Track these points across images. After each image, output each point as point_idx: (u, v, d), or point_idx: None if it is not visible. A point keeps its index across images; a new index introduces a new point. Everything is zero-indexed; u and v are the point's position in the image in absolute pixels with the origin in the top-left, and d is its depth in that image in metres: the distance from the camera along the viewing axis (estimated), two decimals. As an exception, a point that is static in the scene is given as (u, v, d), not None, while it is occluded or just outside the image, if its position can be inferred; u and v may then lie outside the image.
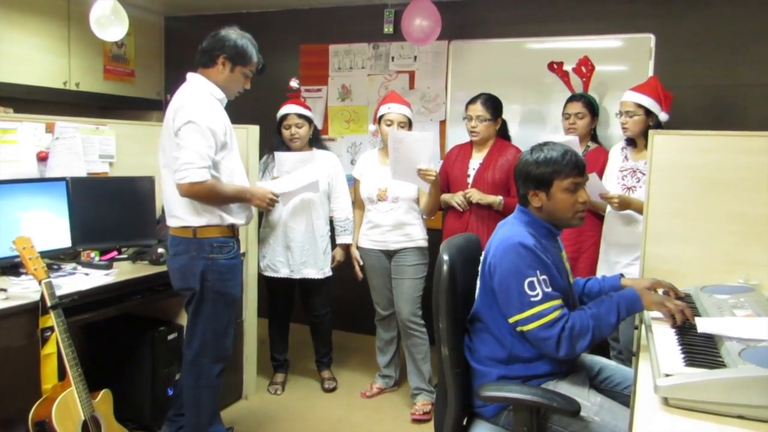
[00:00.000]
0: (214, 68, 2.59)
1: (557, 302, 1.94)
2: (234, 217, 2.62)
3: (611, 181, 3.19)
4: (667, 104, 3.09)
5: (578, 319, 1.93)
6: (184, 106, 2.48)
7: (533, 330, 1.93)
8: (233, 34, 2.60)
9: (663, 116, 3.08)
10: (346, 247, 3.64)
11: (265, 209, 2.70)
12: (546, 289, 1.93)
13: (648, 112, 3.06)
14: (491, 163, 3.39)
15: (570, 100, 3.51)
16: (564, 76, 3.78)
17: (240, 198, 2.60)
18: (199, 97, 2.52)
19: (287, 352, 3.84)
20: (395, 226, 3.41)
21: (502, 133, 3.53)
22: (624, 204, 2.99)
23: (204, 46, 2.61)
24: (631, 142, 3.19)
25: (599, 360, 2.28)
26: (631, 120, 3.08)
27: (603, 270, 3.18)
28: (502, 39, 4.18)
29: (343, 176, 3.69)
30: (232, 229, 2.66)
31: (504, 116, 3.50)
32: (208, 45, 2.59)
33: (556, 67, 3.80)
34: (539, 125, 4.08)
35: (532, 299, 1.93)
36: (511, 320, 1.99)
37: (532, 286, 1.93)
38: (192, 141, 2.41)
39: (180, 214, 2.58)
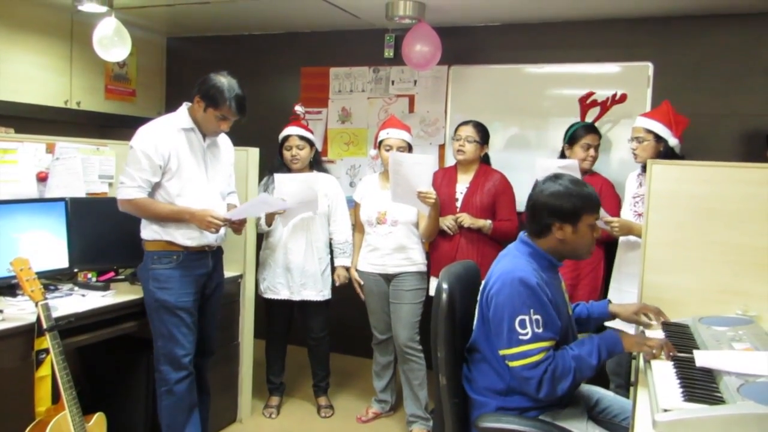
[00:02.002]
0: (194, 105, 2.78)
1: (545, 344, 1.93)
2: (172, 235, 2.76)
3: (625, 208, 3.19)
4: (680, 129, 3.08)
5: (561, 361, 1.93)
6: (136, 133, 2.74)
7: (517, 368, 1.94)
8: (217, 77, 2.74)
9: (673, 141, 3.06)
10: (345, 269, 3.64)
11: (208, 230, 2.78)
12: (536, 330, 1.93)
13: (658, 138, 3.05)
14: (478, 187, 3.42)
15: (589, 131, 3.46)
16: (589, 107, 3.78)
17: (176, 218, 2.75)
18: (152, 125, 2.76)
19: (283, 375, 3.82)
20: (394, 249, 3.41)
21: (484, 162, 3.57)
22: (625, 229, 2.97)
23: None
24: (645, 168, 3.18)
25: (597, 390, 2.28)
26: (641, 146, 3.08)
27: (614, 298, 3.15)
28: (501, 65, 4.21)
29: (343, 199, 3.69)
30: (183, 246, 2.78)
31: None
32: (197, 82, 2.78)
33: (588, 102, 3.81)
34: (537, 150, 4.09)
35: (521, 337, 1.93)
36: (500, 353, 1.99)
37: (522, 324, 1.93)
38: (128, 164, 2.70)
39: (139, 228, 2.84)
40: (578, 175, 2.97)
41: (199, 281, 2.85)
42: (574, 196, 2.05)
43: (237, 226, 2.90)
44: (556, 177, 2.13)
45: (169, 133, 2.73)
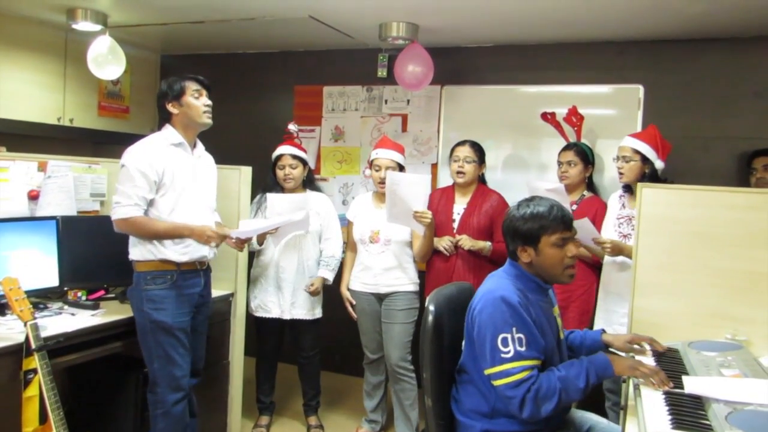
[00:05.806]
0: (172, 116, 2.80)
1: (528, 363, 1.93)
2: (168, 252, 2.73)
3: (608, 229, 3.20)
4: (665, 153, 3.12)
5: (545, 381, 1.92)
6: (125, 152, 2.73)
7: (501, 387, 1.94)
8: (161, 84, 2.84)
9: (659, 164, 3.10)
10: (323, 280, 3.60)
11: (207, 244, 2.82)
12: (519, 348, 1.93)
13: (645, 159, 3.09)
14: (476, 209, 3.41)
15: (564, 149, 3.54)
16: (557, 126, 3.83)
17: (175, 234, 2.73)
18: (141, 143, 2.75)
19: (273, 394, 3.80)
20: (386, 268, 3.40)
21: (481, 182, 3.57)
22: (616, 250, 2.98)
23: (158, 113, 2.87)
24: (628, 189, 3.21)
25: (590, 417, 2.26)
26: (628, 165, 3.11)
27: (601, 318, 3.18)
28: (493, 85, 4.24)
29: (336, 218, 3.69)
30: (176, 264, 2.75)
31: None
32: (158, 108, 2.83)
33: (549, 118, 3.85)
34: (529, 169, 4.12)
35: (503, 356, 1.93)
36: (485, 372, 1.99)
37: (505, 343, 1.93)
38: (121, 183, 2.67)
39: (128, 248, 2.80)
40: (564, 199, 2.99)
41: (192, 300, 2.84)
42: (530, 218, 2.06)
43: (240, 244, 2.92)
44: (524, 202, 2.13)
45: (160, 149, 2.74)
